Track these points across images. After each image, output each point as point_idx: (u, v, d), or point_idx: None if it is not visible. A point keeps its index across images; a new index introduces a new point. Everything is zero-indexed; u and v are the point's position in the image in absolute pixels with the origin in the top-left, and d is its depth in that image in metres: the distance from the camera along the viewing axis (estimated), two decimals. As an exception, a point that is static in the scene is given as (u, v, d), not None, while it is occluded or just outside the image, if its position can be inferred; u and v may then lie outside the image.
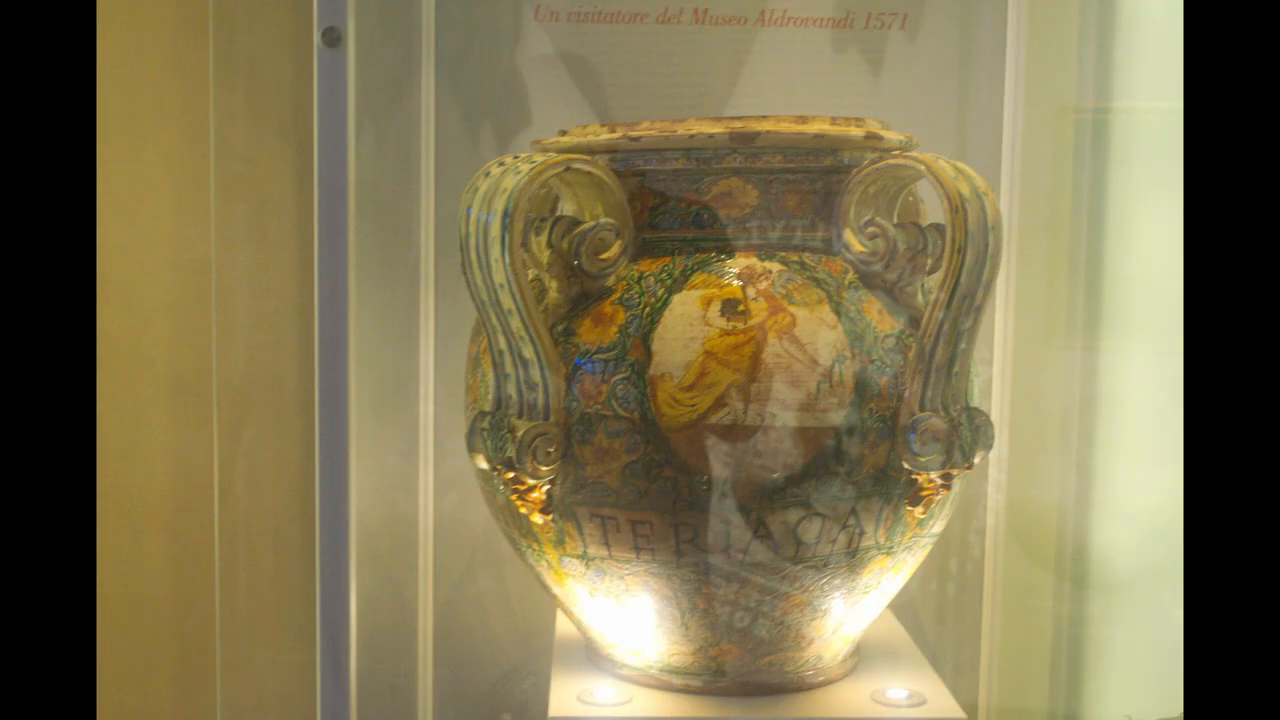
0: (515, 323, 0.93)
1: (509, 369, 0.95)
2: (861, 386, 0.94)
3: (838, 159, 0.99)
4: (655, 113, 1.09)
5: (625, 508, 0.95)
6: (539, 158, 0.95)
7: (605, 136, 1.00)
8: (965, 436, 0.94)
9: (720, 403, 0.92)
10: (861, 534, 0.96)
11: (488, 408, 0.97)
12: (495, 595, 1.38)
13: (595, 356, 0.95)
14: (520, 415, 0.95)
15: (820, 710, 1.02)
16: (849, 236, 0.99)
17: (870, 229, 0.98)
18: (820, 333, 0.94)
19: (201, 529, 1.36)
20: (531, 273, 0.99)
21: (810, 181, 0.99)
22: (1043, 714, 1.37)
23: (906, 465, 0.94)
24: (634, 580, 0.98)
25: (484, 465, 0.97)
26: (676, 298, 0.95)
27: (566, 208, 1.05)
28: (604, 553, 0.97)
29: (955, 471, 0.95)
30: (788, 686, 1.04)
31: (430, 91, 1.31)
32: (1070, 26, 1.31)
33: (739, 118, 0.98)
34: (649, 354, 0.93)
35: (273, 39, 1.30)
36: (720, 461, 0.92)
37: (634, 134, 0.99)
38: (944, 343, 0.93)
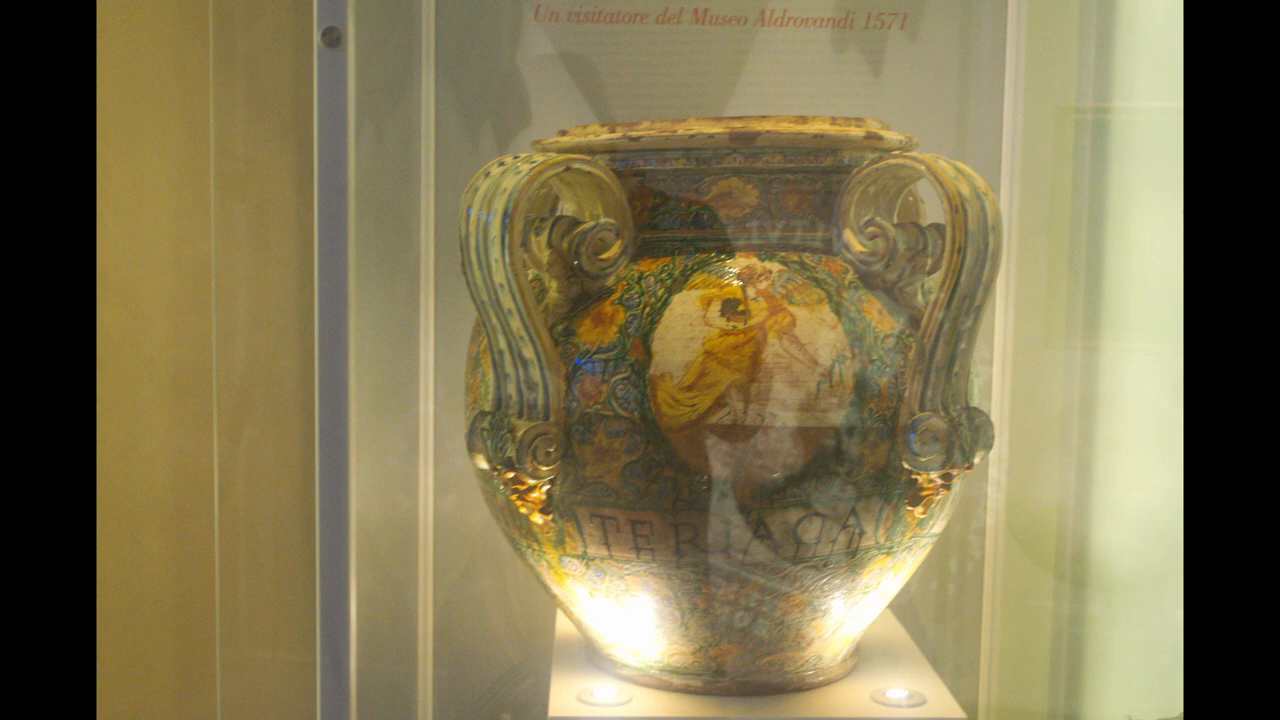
0: (515, 323, 0.93)
1: (509, 369, 0.95)
2: (861, 386, 0.94)
3: (838, 159, 0.99)
4: (655, 113, 1.09)
5: (625, 508, 0.95)
6: (539, 158, 0.95)
7: (605, 136, 1.00)
8: (965, 436, 0.94)
9: (720, 403, 0.92)
10: (861, 534, 0.96)
11: (488, 408, 0.97)
12: (495, 595, 1.38)
13: (595, 356, 0.95)
14: (520, 415, 0.95)
15: (820, 710, 1.02)
16: (849, 236, 0.99)
17: (870, 229, 0.98)
18: (820, 333, 0.93)
19: (201, 529, 1.36)
20: (531, 273, 0.99)
21: (810, 181, 0.99)
22: (1043, 714, 1.37)
23: (906, 465, 0.94)
24: (634, 580, 0.98)
25: (484, 465, 0.97)
26: (676, 298, 0.95)
27: (566, 208, 1.05)
28: (604, 553, 0.97)
29: (955, 471, 0.95)
30: (788, 686, 1.04)
31: (430, 91, 1.31)
32: (1070, 26, 1.31)
33: (739, 118, 0.98)
34: (649, 354, 0.93)
35: (273, 39, 1.30)
36: (720, 461, 0.92)
37: (634, 134, 0.99)
38: (944, 343, 0.93)
